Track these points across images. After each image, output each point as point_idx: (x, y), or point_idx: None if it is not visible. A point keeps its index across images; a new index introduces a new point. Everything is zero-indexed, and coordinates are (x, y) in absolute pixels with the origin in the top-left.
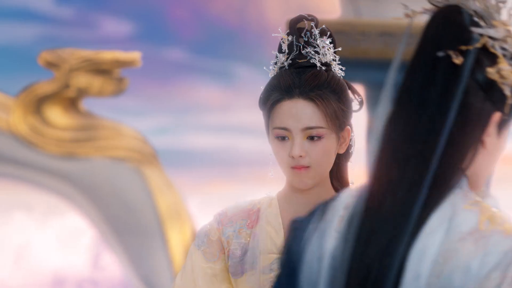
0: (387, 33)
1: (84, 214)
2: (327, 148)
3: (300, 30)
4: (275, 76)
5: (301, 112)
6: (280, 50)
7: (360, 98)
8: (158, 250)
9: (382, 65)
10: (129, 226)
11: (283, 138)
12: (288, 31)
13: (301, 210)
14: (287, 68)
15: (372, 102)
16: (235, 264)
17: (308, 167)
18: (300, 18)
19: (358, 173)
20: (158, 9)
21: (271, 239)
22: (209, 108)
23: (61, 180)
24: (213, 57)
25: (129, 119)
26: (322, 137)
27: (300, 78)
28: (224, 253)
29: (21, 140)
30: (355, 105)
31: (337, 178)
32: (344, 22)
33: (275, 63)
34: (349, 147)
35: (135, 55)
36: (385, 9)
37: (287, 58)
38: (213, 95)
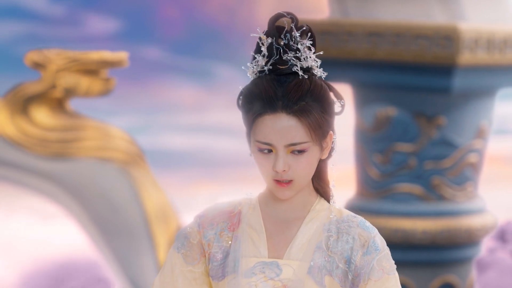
0: (374, 33)
1: (71, 215)
2: (311, 160)
3: (279, 30)
4: (255, 82)
5: (284, 128)
6: (259, 51)
7: (342, 101)
8: (145, 250)
9: (370, 65)
10: (116, 226)
11: (266, 151)
12: (266, 30)
13: (283, 213)
14: (267, 73)
15: (359, 102)
16: (216, 268)
17: (291, 180)
18: (278, 17)
19: (344, 173)
20: (149, 7)
21: (253, 243)
22: (185, 107)
23: (48, 181)
24: (194, 56)
25: (102, 119)
26: (306, 150)
27: (282, 88)
28: (205, 256)
29: (7, 141)
30: (337, 107)
31: (318, 178)
32: (332, 22)
33: (254, 65)
34: (331, 150)
35: (122, 55)
36: (373, 10)
37: (267, 63)
38: (189, 94)
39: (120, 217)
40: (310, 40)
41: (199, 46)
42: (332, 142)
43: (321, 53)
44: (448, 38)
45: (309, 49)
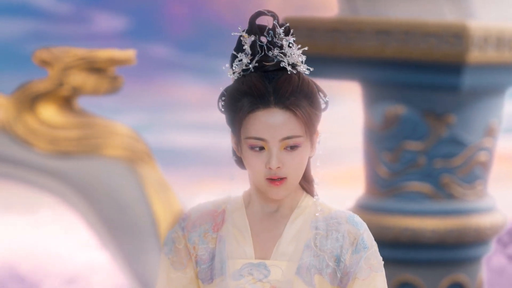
0: (383, 31)
1: (78, 213)
2: (303, 157)
3: (261, 28)
4: (241, 80)
5: (278, 122)
6: (240, 50)
7: (326, 98)
8: (153, 249)
9: (379, 63)
10: (123, 225)
11: (258, 149)
12: (247, 29)
13: (268, 212)
14: (252, 71)
15: (368, 100)
16: (204, 270)
17: (284, 177)
18: (259, 14)
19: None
20: (156, 5)
21: (238, 243)
22: (192, 105)
23: (55, 179)
24: (201, 54)
25: (110, 117)
26: (299, 146)
27: (272, 83)
28: (192, 260)
29: (15, 139)
30: (322, 103)
31: (303, 177)
32: (341, 20)
33: (237, 64)
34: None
35: (130, 53)
36: (382, 7)
37: (252, 60)
38: (196, 92)
39: (128, 215)
40: (292, 37)
41: (206, 44)
42: (318, 141)
43: (306, 48)
44: (458, 36)
45: (293, 45)
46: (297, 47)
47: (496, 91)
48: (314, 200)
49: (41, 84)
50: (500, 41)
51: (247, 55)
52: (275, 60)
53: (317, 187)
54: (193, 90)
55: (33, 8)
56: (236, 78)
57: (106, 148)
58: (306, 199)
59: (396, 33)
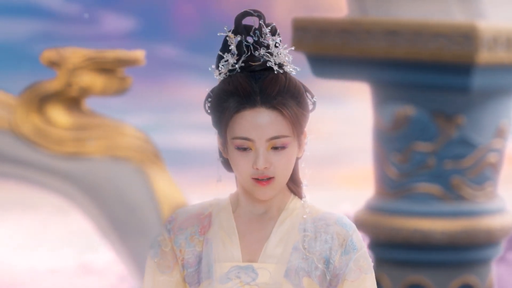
0: (393, 32)
1: (86, 214)
2: (291, 157)
3: (247, 28)
4: (227, 81)
5: (265, 122)
6: (226, 50)
7: (314, 98)
8: None
9: (388, 64)
10: (131, 226)
11: (244, 149)
12: (233, 29)
13: (256, 214)
14: (238, 71)
15: (378, 101)
16: (191, 274)
17: (272, 177)
18: (245, 14)
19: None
20: (164, 6)
21: (225, 246)
22: (200, 106)
23: (63, 180)
24: (210, 55)
25: (118, 118)
26: (286, 146)
27: (258, 83)
28: (178, 263)
29: (23, 140)
30: (309, 104)
31: (291, 179)
32: (350, 20)
33: (223, 65)
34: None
35: (138, 54)
36: (391, 8)
37: (238, 60)
38: (204, 93)
39: (136, 216)
40: (279, 36)
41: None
42: (306, 143)
43: (293, 48)
44: (467, 36)
45: (279, 45)
46: (284, 47)
47: (506, 91)
48: (302, 202)
49: (49, 85)
50: (510, 41)
51: (233, 55)
52: (262, 60)
53: (306, 189)
54: (202, 91)
55: (42, 9)
56: (222, 78)
57: (115, 149)
58: (294, 201)
59: (405, 33)
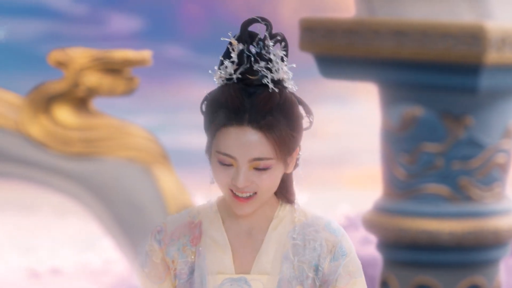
0: (400, 32)
1: (93, 215)
2: (274, 177)
3: (252, 37)
4: (222, 89)
5: (249, 142)
6: (228, 56)
7: (311, 117)
8: None
9: (396, 64)
10: (138, 226)
11: (226, 164)
12: (238, 35)
13: (246, 224)
14: (235, 81)
15: (386, 101)
16: (182, 285)
17: (255, 193)
18: (251, 22)
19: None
20: (171, 6)
21: (217, 258)
22: None
23: (70, 180)
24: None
25: (125, 118)
26: (270, 167)
27: (250, 100)
28: (170, 273)
29: (30, 140)
30: (305, 122)
31: (284, 190)
32: (358, 21)
33: (222, 71)
34: (295, 165)
35: (145, 54)
36: (399, 8)
37: (236, 70)
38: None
39: (143, 217)
40: (284, 50)
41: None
42: (297, 158)
43: (294, 65)
44: (475, 37)
45: (282, 60)
46: (285, 64)
47: None
48: (291, 207)
49: (56, 85)
50: None
51: (233, 63)
52: (259, 74)
53: (308, 189)
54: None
55: (49, 9)
56: (219, 84)
57: (122, 150)
58: (282, 208)
59: (413, 34)
